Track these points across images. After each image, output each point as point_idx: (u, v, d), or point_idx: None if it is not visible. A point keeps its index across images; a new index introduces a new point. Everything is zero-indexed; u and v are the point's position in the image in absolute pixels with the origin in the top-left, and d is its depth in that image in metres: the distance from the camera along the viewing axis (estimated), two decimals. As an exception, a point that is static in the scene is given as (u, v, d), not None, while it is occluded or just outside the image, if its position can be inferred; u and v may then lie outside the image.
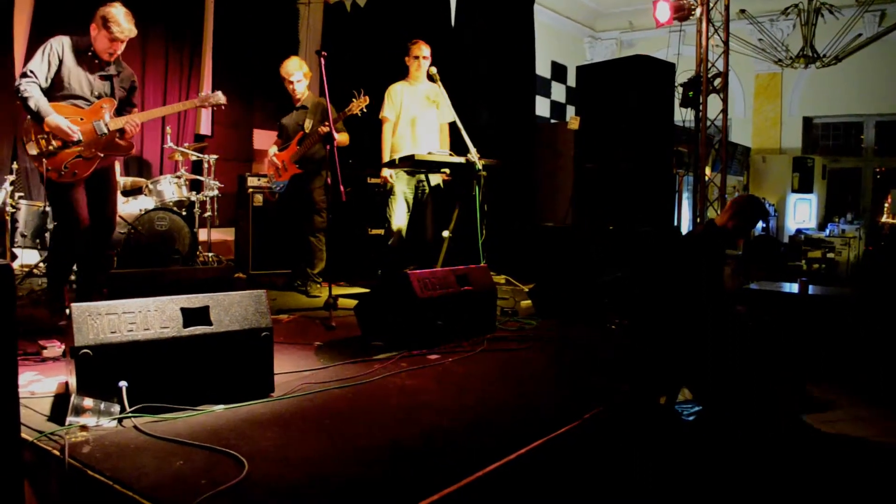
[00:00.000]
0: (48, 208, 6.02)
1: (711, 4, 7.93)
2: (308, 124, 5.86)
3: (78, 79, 4.19)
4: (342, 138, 5.95)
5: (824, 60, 9.98)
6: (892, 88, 11.33)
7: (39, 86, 4.06)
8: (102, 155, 4.29)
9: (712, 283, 4.18)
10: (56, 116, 4.06)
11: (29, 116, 4.10)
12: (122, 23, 4.14)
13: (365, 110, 5.62)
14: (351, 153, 7.27)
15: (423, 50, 5.98)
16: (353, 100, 5.54)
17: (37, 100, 4.01)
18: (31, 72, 4.03)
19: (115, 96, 4.37)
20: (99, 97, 4.28)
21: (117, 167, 5.49)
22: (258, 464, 2.20)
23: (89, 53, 4.21)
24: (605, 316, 4.92)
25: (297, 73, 5.89)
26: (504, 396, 3.15)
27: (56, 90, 4.14)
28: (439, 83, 5.57)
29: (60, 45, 4.13)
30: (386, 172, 5.98)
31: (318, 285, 6.00)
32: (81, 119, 4.18)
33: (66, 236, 4.31)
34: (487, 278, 4.60)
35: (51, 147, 4.10)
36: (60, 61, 4.11)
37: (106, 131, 4.25)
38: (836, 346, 4.79)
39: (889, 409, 4.19)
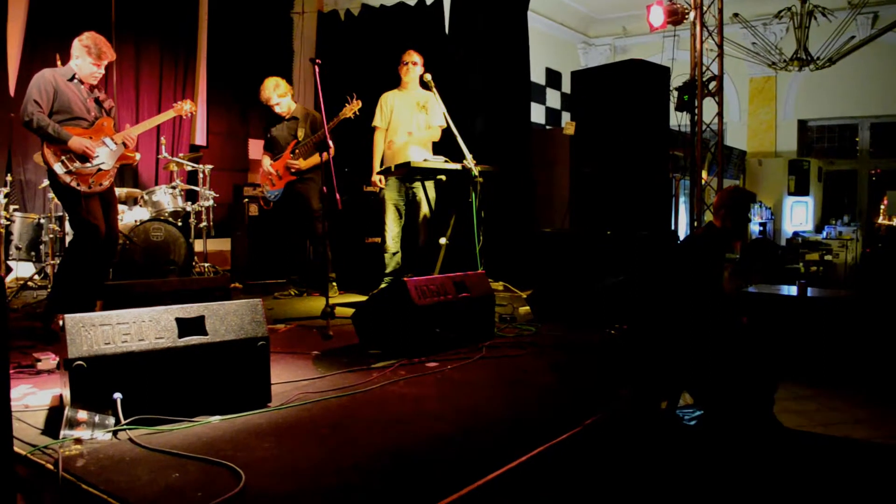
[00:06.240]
0: (43, 219, 5.99)
1: (705, 8, 7.94)
2: (301, 133, 5.91)
3: (75, 102, 4.43)
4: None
5: (818, 63, 9.99)
6: (887, 90, 11.33)
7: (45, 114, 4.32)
8: (117, 166, 4.62)
9: (713, 285, 4.15)
10: (78, 138, 4.35)
11: (46, 142, 4.32)
12: (105, 48, 4.46)
13: (357, 113, 5.68)
14: (347, 161, 7.27)
15: (412, 56, 6.03)
16: (346, 104, 5.63)
17: (53, 126, 4.29)
18: (37, 102, 4.27)
19: (110, 115, 4.65)
20: (96, 118, 4.52)
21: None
22: (255, 474, 2.17)
23: (75, 80, 4.46)
24: (604, 321, 4.89)
25: (274, 97, 5.98)
26: (504, 403, 3.12)
27: (59, 115, 4.36)
28: (434, 89, 5.55)
29: (51, 76, 4.37)
30: (376, 178, 6.03)
31: (334, 286, 6.19)
32: (91, 138, 4.45)
33: (86, 245, 4.44)
34: (485, 285, 4.58)
35: (75, 165, 4.36)
36: (55, 90, 4.34)
37: (114, 146, 4.55)
38: (835, 348, 4.77)
39: (890, 411, 4.17)
